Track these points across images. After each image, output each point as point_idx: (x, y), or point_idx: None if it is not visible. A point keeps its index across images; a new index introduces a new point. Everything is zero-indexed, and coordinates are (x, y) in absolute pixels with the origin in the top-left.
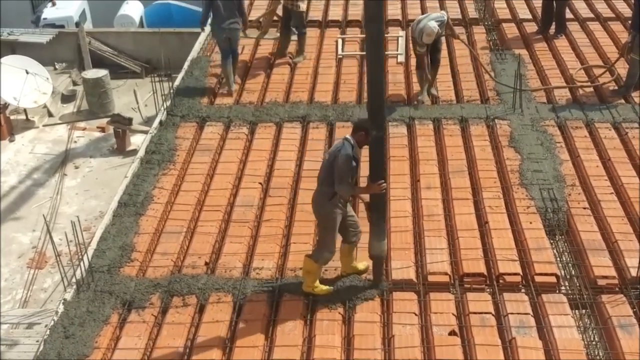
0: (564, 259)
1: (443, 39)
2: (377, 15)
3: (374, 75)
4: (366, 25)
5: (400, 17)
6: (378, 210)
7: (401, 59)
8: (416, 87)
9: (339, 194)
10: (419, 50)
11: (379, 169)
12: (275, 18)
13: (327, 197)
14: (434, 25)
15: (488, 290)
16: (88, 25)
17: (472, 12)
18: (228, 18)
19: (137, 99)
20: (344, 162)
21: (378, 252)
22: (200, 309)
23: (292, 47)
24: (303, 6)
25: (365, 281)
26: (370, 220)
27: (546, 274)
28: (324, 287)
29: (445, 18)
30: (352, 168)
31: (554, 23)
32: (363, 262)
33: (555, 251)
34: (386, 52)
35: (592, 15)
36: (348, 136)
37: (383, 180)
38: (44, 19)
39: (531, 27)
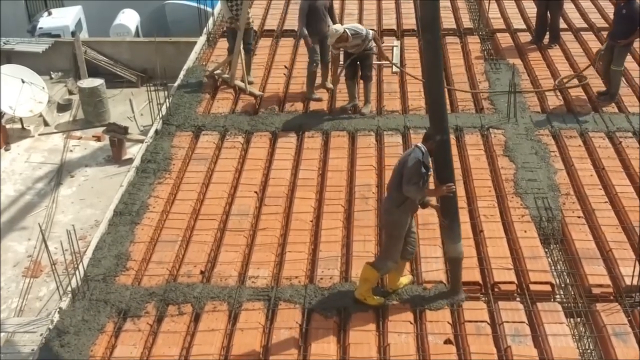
0: (559, 267)
1: (373, 56)
2: (434, 24)
3: (432, 82)
4: (423, 35)
5: (395, 27)
6: (450, 213)
7: (396, 68)
8: (411, 96)
9: (408, 201)
10: (332, 52)
11: (446, 172)
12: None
13: (397, 204)
14: (338, 27)
15: (483, 298)
16: (84, 35)
17: (466, 22)
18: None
19: (133, 108)
20: (413, 164)
21: (455, 254)
22: (196, 318)
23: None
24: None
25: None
26: (444, 225)
27: (541, 283)
28: (377, 298)
29: (364, 33)
30: (421, 172)
31: (547, 33)
32: (407, 276)
33: (550, 260)
34: (380, 62)
35: (585, 26)
36: (419, 144)
37: (452, 183)
38: (40, 28)
39: (525, 37)
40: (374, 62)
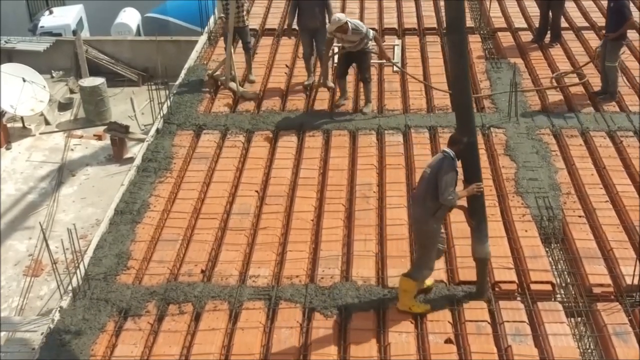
0: (560, 267)
1: (371, 57)
2: (459, 24)
3: (459, 84)
4: (448, 35)
5: (396, 26)
6: (478, 213)
7: (397, 68)
8: (412, 95)
9: (442, 207)
10: (327, 36)
11: (474, 172)
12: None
13: (431, 213)
14: (341, 16)
15: (484, 298)
16: (85, 34)
17: (467, 21)
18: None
19: (134, 107)
20: (449, 172)
21: (482, 254)
22: (197, 317)
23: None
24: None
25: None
26: (471, 225)
27: (542, 282)
28: (422, 306)
29: (364, 31)
30: (456, 179)
31: (548, 32)
32: (429, 279)
33: (550, 259)
34: (381, 62)
35: (586, 24)
36: (446, 149)
37: (480, 183)
38: (42, 27)
39: (526, 36)
40: (373, 61)
